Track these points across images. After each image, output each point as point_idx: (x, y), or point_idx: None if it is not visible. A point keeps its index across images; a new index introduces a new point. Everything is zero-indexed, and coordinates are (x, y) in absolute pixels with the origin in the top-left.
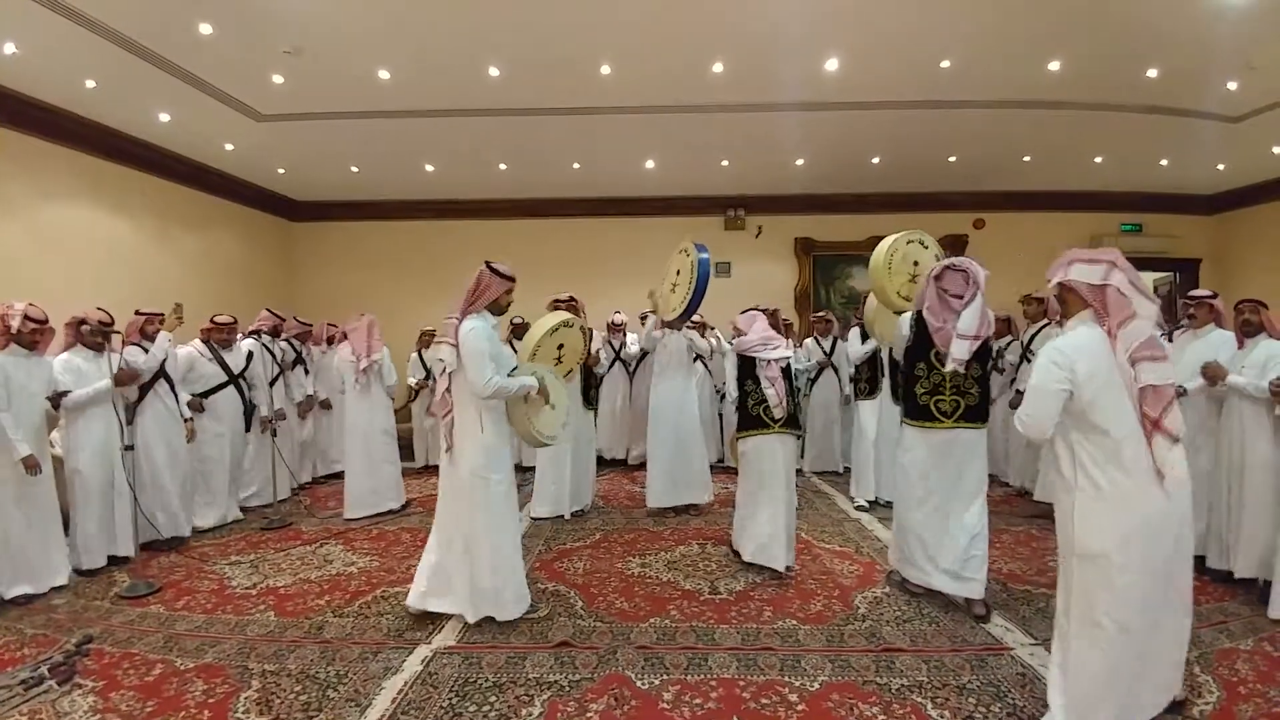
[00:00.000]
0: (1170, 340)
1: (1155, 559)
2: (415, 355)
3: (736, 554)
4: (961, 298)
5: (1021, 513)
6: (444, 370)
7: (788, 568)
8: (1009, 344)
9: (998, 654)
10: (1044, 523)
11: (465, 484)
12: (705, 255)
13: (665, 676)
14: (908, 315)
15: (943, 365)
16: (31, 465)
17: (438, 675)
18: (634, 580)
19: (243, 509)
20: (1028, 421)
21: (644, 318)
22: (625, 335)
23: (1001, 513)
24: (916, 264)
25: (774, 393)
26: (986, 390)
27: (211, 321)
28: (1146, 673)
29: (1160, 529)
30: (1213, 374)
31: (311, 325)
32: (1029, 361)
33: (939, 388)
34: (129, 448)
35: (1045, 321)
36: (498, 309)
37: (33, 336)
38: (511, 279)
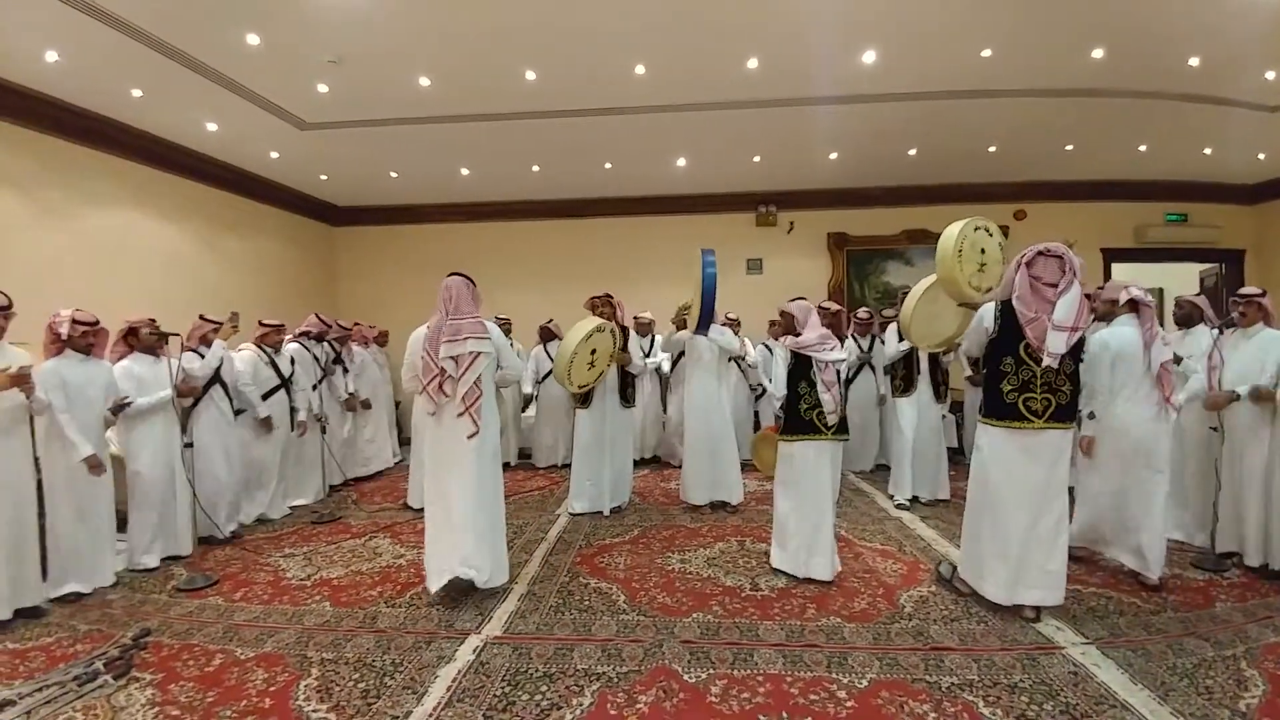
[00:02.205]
0: (1221, 333)
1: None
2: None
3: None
4: (1055, 286)
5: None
6: (472, 362)
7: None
8: None
9: (1049, 653)
10: None
11: (489, 463)
12: (711, 270)
13: (711, 671)
14: (990, 307)
15: (1035, 361)
16: (95, 465)
17: (489, 665)
18: (674, 576)
19: (291, 506)
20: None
21: (677, 321)
22: (654, 334)
23: None
24: (984, 251)
25: (830, 398)
26: (1078, 387)
27: (260, 324)
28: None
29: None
30: (1262, 398)
31: (350, 328)
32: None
33: (1029, 385)
34: (188, 445)
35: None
36: None
37: (85, 340)
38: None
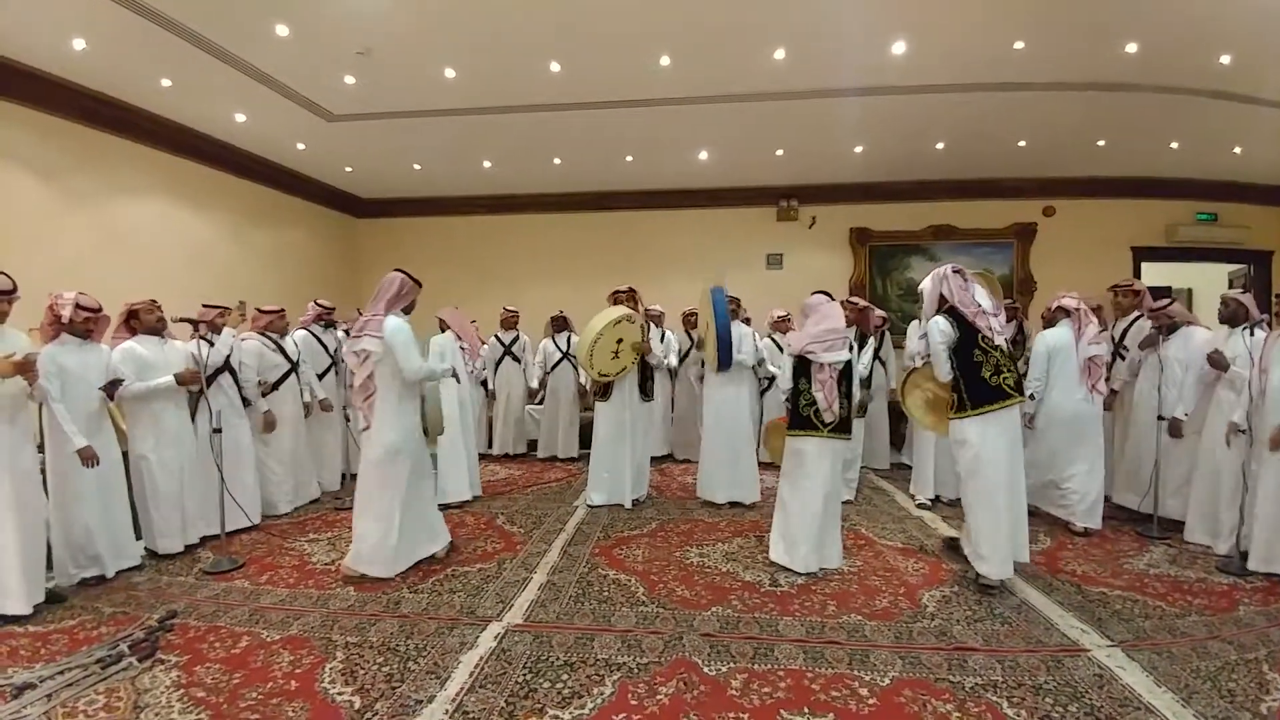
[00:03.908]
0: (1253, 334)
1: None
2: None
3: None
4: (966, 290)
5: None
6: (365, 359)
7: (822, 570)
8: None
9: (1074, 655)
10: (1116, 524)
11: (380, 458)
12: (723, 309)
13: (732, 664)
14: (939, 319)
15: (993, 346)
16: (88, 457)
17: (510, 652)
18: (693, 569)
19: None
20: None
21: (688, 317)
22: (664, 329)
23: None
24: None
25: (823, 396)
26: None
27: (260, 311)
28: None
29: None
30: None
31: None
32: (1121, 358)
33: (999, 367)
34: (217, 430)
35: (1138, 314)
36: (409, 310)
37: (86, 325)
38: (420, 284)
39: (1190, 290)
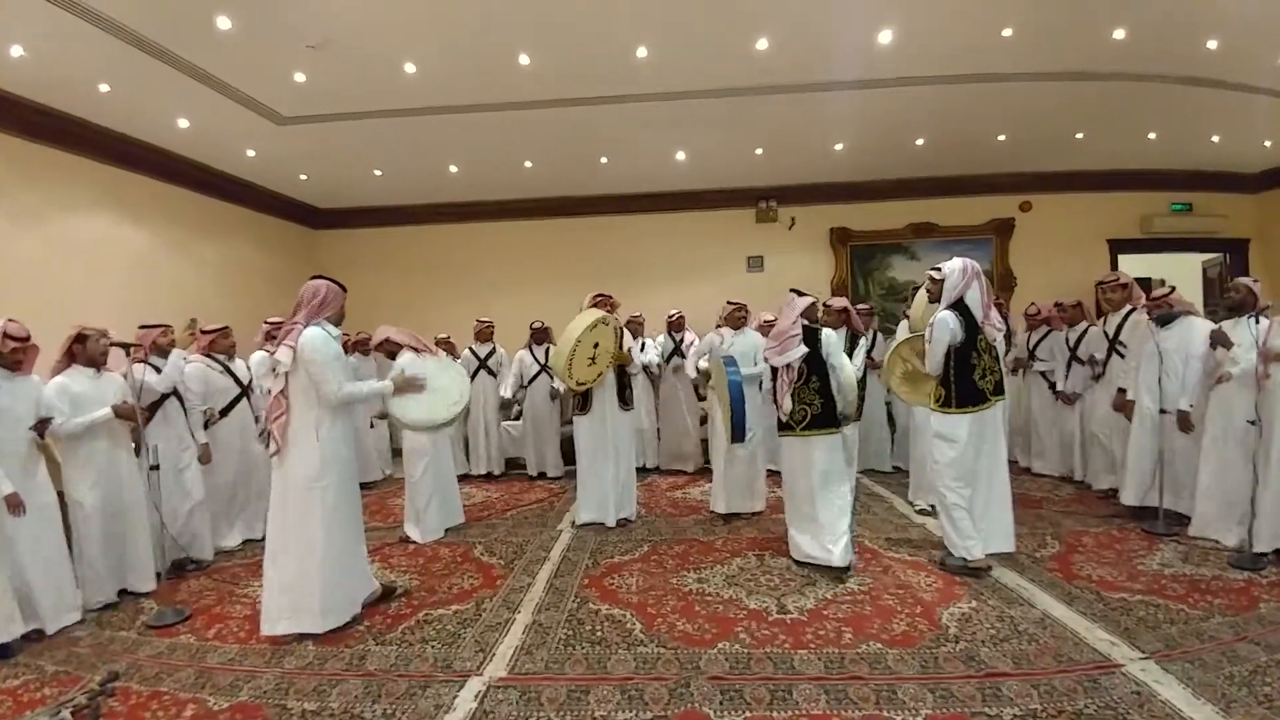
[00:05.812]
0: (1259, 321)
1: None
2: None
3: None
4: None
5: (1098, 513)
6: (278, 373)
7: (848, 566)
8: (1085, 331)
9: (1109, 672)
10: (1123, 522)
11: (299, 492)
12: (736, 379)
13: (748, 713)
14: (950, 316)
15: (984, 350)
16: (14, 505)
17: (495, 714)
18: (693, 598)
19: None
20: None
21: (672, 320)
22: (644, 337)
23: (1076, 513)
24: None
25: (783, 398)
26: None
27: (201, 332)
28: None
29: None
30: None
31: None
32: (1120, 355)
33: (986, 371)
34: (154, 467)
35: (1130, 308)
36: (338, 319)
37: (14, 356)
38: (344, 288)
39: (1163, 280)
